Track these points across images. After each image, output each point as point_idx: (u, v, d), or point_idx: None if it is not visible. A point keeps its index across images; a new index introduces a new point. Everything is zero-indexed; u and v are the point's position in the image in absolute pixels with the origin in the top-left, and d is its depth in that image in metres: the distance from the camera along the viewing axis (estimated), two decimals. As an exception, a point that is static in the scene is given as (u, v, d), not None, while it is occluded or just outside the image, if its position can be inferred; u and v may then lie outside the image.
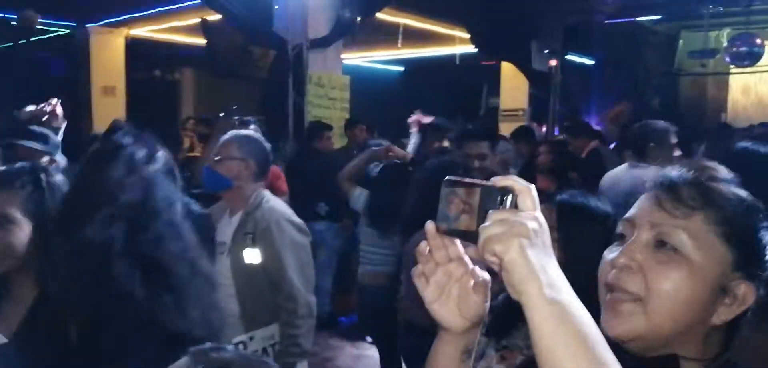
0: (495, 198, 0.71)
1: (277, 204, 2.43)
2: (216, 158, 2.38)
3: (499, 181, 0.72)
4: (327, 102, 5.48)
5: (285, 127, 5.29)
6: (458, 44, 8.18)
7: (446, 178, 0.77)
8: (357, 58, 9.68)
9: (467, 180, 0.76)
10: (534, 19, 6.77)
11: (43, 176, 1.45)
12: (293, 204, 3.05)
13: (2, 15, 6.05)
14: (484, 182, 0.74)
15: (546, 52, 6.77)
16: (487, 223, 0.70)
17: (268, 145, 2.52)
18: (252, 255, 2.25)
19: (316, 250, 3.11)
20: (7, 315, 1.44)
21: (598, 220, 1.38)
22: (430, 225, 0.80)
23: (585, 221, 1.40)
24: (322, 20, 5.23)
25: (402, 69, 12.46)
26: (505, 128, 6.69)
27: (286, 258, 2.28)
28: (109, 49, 7.81)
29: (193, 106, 12.85)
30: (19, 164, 1.50)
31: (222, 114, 6.83)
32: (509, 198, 0.71)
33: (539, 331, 0.66)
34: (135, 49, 8.32)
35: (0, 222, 1.37)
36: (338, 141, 5.27)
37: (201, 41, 8.89)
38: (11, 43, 7.36)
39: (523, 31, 6.68)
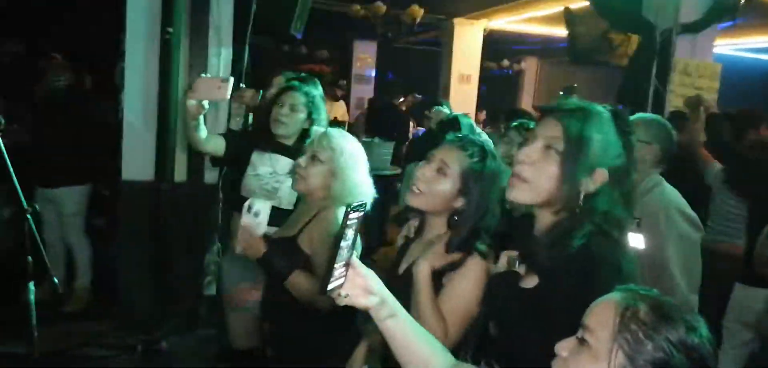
0: None
1: (671, 194, 2.32)
2: None
3: None
4: (692, 91, 5.04)
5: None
6: None
7: None
8: (725, 46, 8.60)
9: None
10: None
11: (488, 153, 1.75)
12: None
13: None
14: None
15: None
16: None
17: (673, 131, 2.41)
18: (635, 240, 2.17)
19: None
20: (416, 253, 1.77)
21: None
22: None
23: None
24: (696, 2, 4.82)
25: (779, 59, 10.59)
26: None
27: (669, 250, 2.18)
28: (468, 40, 8.57)
29: (532, 94, 13.24)
30: (477, 137, 1.83)
31: (561, 93, 6.92)
32: None
33: None
34: (489, 39, 8.94)
35: (441, 167, 1.72)
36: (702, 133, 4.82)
37: (547, 31, 9.10)
38: (391, 35, 8.68)
39: None
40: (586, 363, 0.99)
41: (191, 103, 2.67)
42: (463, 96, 8.54)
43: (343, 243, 1.09)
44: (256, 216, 2.03)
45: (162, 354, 3.90)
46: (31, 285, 2.63)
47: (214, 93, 2.62)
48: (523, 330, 1.30)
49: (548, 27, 8.50)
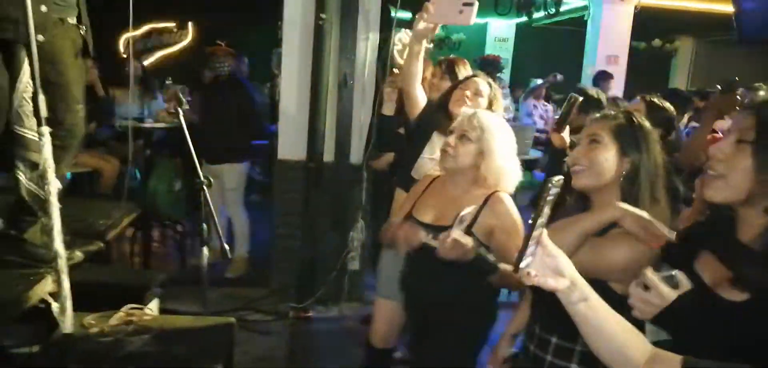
0: None
1: None
2: None
3: None
4: None
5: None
6: None
7: None
8: None
9: None
10: None
11: (634, 117, 1.71)
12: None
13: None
14: None
15: None
16: None
17: None
18: None
19: None
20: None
21: None
22: None
23: None
24: None
25: None
26: None
27: None
28: (617, 20, 8.06)
29: (687, 77, 12.20)
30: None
31: (719, 87, 6.24)
32: None
33: None
34: (639, 17, 8.35)
35: (591, 141, 1.69)
36: None
37: (706, 7, 8.32)
38: (526, 18, 8.39)
39: None
40: None
41: (422, 25, 2.40)
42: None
43: (539, 220, 1.06)
44: (461, 224, 1.93)
45: (310, 322, 4.17)
46: (205, 250, 2.92)
47: (455, 16, 2.29)
48: (719, 346, 1.19)
49: (708, 3, 7.79)
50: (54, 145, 2.04)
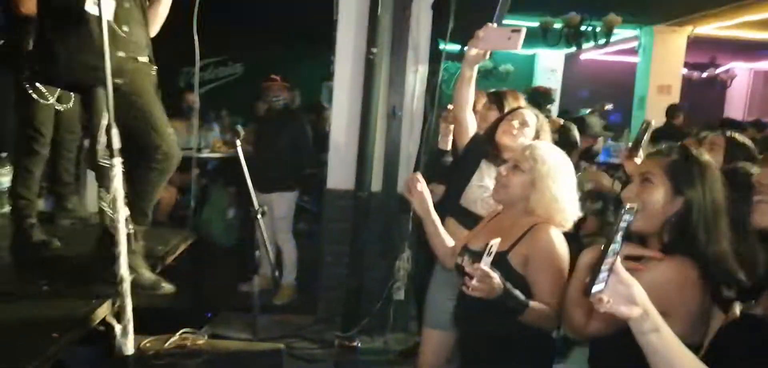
0: None
1: None
2: None
3: None
4: None
5: None
6: None
7: None
8: None
9: None
10: None
11: (689, 152, 1.65)
12: None
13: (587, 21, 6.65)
14: None
15: None
16: None
17: None
18: None
19: None
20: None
21: None
22: None
23: None
24: None
25: None
26: None
27: None
28: (669, 48, 7.91)
29: (743, 106, 11.83)
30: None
31: None
32: None
33: None
34: (692, 46, 8.17)
35: (643, 179, 1.63)
36: None
37: (763, 36, 8.07)
38: (570, 46, 8.25)
39: None
40: None
41: (474, 52, 2.53)
42: (661, 108, 7.91)
43: (612, 247, 1.06)
44: (489, 256, 1.90)
45: (354, 352, 4.19)
46: (256, 278, 3.00)
47: (504, 43, 2.42)
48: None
49: (764, 31, 7.56)
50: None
